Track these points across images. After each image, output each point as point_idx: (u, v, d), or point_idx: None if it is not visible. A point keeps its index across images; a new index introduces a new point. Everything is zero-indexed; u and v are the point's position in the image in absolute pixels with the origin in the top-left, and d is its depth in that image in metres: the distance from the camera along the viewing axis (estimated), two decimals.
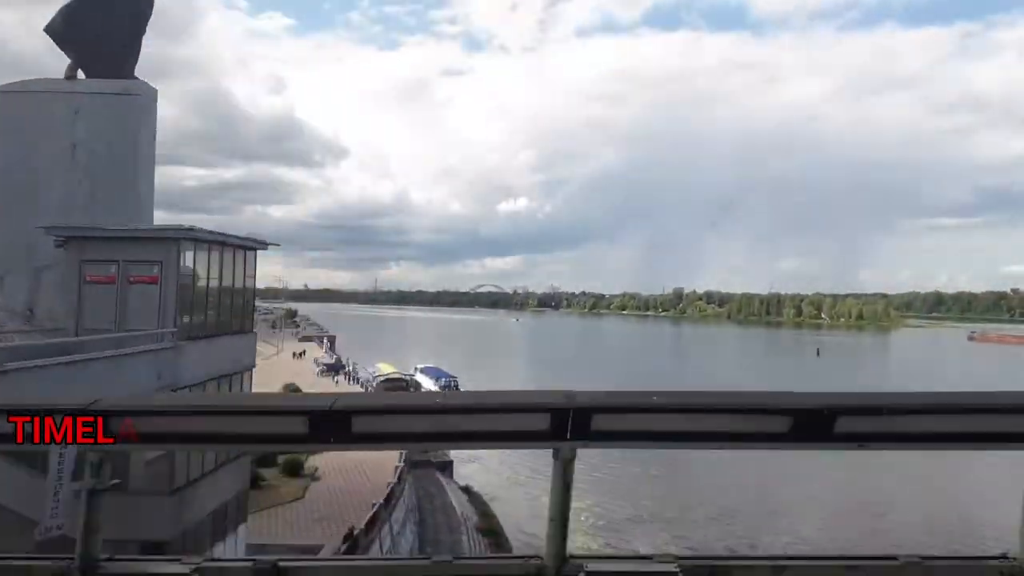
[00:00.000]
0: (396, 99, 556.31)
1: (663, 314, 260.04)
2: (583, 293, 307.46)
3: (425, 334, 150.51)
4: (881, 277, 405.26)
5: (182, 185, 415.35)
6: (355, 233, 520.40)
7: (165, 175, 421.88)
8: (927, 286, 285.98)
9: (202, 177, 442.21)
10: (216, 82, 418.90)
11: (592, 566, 2.13)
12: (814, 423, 2.05)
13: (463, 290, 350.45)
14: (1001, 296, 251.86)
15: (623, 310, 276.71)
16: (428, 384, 57.88)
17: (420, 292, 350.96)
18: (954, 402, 2.12)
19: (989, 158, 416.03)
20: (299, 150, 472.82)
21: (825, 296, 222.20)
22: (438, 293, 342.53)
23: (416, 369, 65.33)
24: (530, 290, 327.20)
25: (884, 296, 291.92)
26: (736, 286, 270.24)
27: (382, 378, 60.38)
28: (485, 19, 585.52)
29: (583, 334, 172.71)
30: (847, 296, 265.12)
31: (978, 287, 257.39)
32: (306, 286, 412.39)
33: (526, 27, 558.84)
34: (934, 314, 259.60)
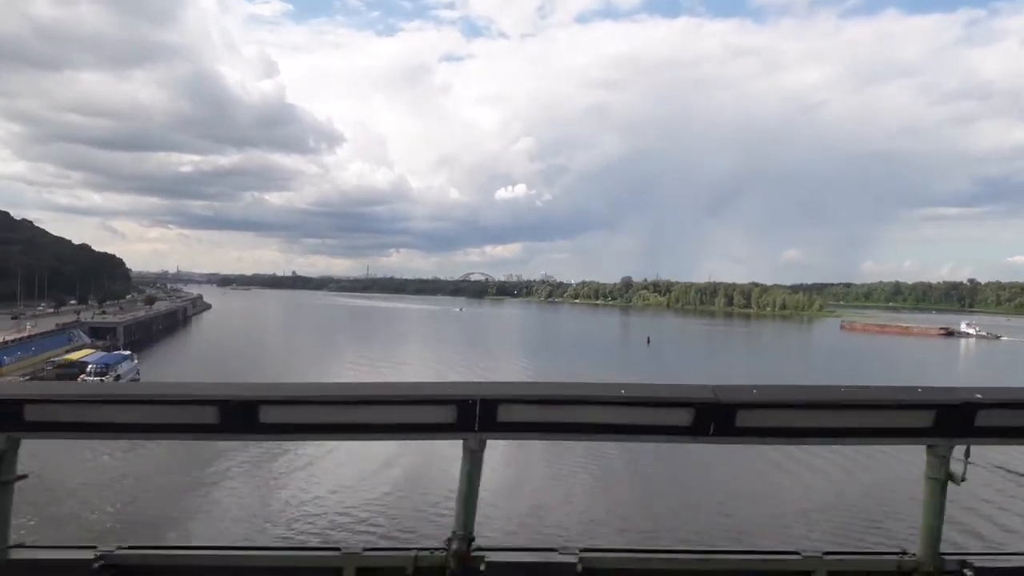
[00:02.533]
0: (394, 85, 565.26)
1: (611, 302, 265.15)
2: (542, 281, 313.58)
3: (295, 322, 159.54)
4: (882, 267, 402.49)
5: (177, 171, 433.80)
6: (353, 220, 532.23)
7: (159, 160, 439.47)
8: (930, 276, 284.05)
9: (197, 163, 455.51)
10: (210, 67, 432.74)
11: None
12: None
13: (455, 278, 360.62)
14: (954, 286, 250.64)
15: (576, 298, 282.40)
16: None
17: (391, 279, 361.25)
18: None
19: (992, 147, 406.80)
20: (294, 136, 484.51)
21: (755, 286, 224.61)
22: (404, 281, 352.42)
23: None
24: (524, 278, 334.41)
25: (848, 285, 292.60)
26: (736, 275, 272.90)
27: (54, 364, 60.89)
28: (484, 4, 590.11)
29: (488, 321, 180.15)
30: (808, 287, 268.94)
31: (981, 277, 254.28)
32: (294, 273, 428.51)
33: (525, 12, 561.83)
34: (891, 303, 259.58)
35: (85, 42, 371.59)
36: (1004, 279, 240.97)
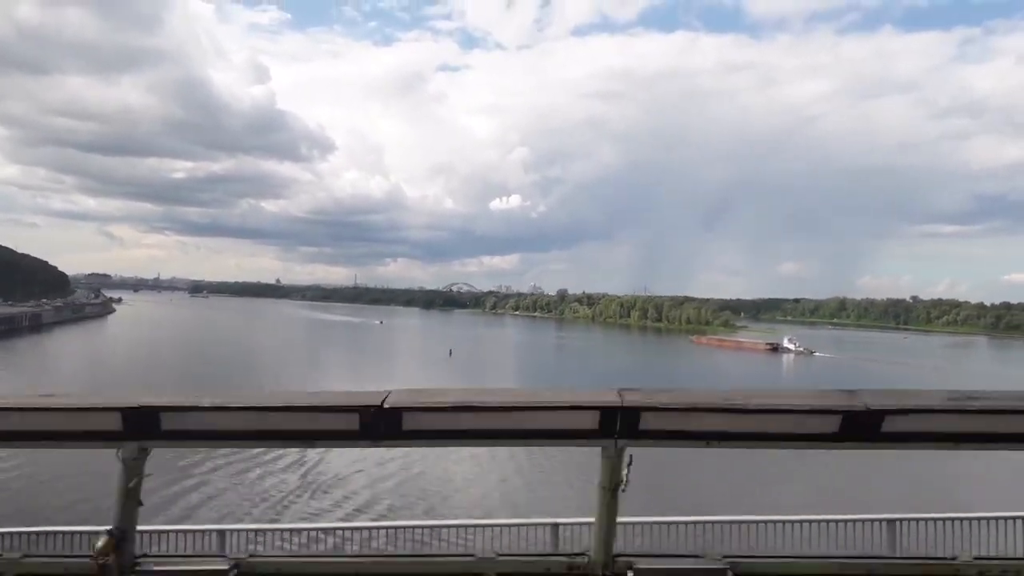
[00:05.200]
0: (391, 94, 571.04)
1: (548, 315, 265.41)
2: (490, 292, 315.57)
3: (169, 331, 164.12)
4: (879, 282, 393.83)
5: (170, 177, 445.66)
6: (349, 229, 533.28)
7: (151, 166, 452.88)
8: (927, 293, 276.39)
9: (189, 169, 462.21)
10: (199, 72, 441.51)
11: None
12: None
13: (441, 289, 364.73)
14: (894, 303, 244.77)
15: (516, 310, 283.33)
16: None
17: (353, 288, 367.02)
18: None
19: (987, 164, 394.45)
20: (286, 143, 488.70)
21: (669, 300, 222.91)
22: (365, 290, 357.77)
23: None
24: (513, 289, 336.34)
25: (796, 301, 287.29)
26: (732, 288, 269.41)
27: None
28: (481, 16, 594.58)
29: (376, 334, 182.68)
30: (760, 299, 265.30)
31: (978, 296, 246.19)
32: (278, 281, 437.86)
33: (522, 24, 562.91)
34: (835, 320, 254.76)
35: (70, 46, 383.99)
36: (1000, 298, 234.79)
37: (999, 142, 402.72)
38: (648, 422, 2.17)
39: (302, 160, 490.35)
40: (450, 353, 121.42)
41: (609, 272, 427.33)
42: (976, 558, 2.30)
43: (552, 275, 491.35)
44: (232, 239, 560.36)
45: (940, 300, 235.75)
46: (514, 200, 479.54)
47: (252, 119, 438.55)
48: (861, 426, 2.13)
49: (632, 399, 2.17)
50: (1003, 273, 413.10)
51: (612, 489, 2.25)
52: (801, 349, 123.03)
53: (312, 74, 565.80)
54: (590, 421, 2.18)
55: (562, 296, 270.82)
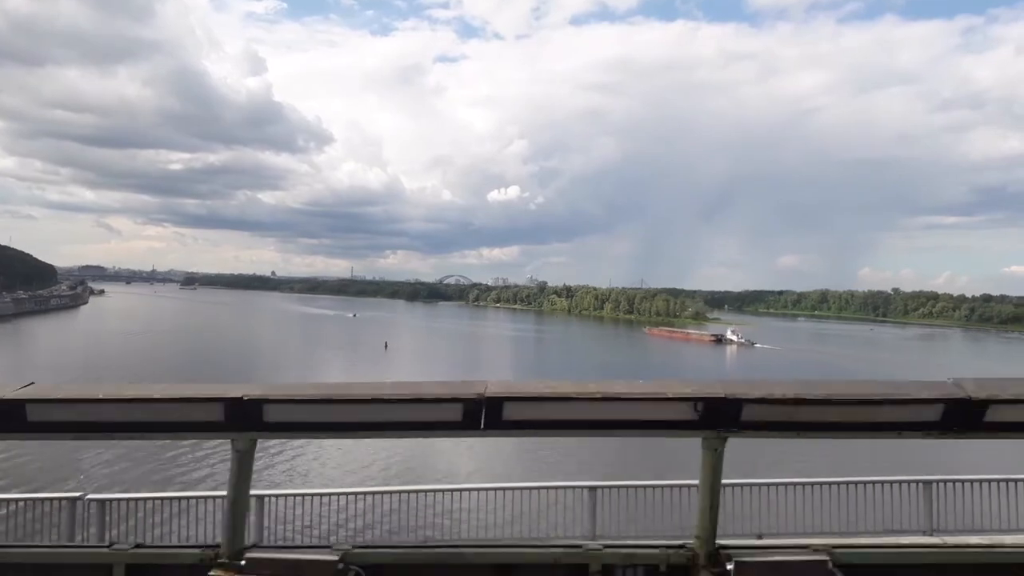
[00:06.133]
0: (388, 85, 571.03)
1: (528, 307, 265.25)
2: (474, 285, 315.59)
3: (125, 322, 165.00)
4: (880, 274, 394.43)
5: (167, 168, 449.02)
6: (347, 221, 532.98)
7: (148, 158, 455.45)
8: (927, 285, 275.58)
9: (186, 161, 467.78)
10: (194, 63, 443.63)
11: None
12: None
13: (434, 281, 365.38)
14: (873, 295, 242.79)
15: (497, 303, 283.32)
16: None
17: (339, 280, 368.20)
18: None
19: (987, 156, 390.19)
20: (282, 134, 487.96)
21: (637, 291, 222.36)
22: (350, 281, 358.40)
23: None
24: (512, 281, 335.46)
25: (780, 293, 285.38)
26: (732, 280, 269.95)
27: None
28: (478, 5, 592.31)
29: (335, 325, 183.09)
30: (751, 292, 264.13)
31: (978, 288, 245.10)
32: (273, 273, 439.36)
33: (520, 13, 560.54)
34: (816, 312, 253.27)
35: (64, 37, 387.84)
36: (1000, 290, 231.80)
37: (1000, 134, 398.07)
38: (272, 414, 2.28)
39: (299, 152, 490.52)
40: (385, 346, 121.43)
41: (608, 265, 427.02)
42: (605, 546, 2.36)
43: (552, 267, 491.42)
44: (230, 231, 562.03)
45: (920, 292, 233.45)
46: (512, 191, 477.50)
47: (249, 111, 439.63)
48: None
49: (254, 393, 2.28)
50: (1003, 265, 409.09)
51: (246, 481, 2.35)
52: (742, 340, 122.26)
53: (309, 64, 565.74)
54: (217, 412, 2.28)
55: (541, 288, 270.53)
